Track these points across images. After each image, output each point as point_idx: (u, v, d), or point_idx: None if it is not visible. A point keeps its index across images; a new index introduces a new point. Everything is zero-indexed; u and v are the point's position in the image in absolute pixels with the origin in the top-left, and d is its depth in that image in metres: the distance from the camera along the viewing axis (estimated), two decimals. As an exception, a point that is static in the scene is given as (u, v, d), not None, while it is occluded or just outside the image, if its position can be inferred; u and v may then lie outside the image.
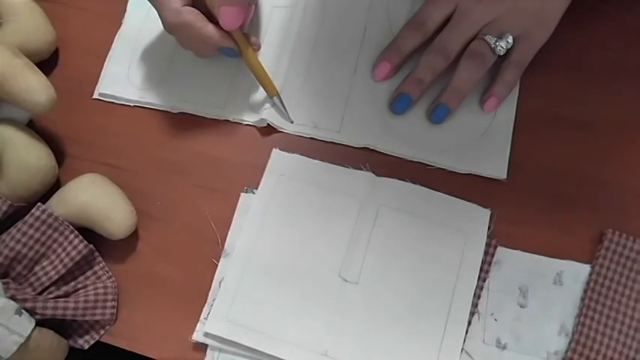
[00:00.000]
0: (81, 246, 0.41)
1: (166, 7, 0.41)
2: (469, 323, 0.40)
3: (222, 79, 0.47)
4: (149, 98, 0.47)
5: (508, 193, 0.43)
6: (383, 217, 0.42)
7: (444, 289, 0.40)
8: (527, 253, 0.41)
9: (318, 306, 0.41)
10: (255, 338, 0.40)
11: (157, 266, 0.43)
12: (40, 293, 0.41)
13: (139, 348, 0.42)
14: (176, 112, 0.47)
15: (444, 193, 0.43)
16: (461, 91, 0.43)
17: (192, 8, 0.42)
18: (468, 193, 0.43)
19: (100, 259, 0.43)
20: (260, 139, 0.46)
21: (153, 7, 0.42)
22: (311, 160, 0.45)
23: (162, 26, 0.43)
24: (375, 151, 0.44)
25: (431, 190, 0.43)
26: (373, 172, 0.44)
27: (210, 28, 0.42)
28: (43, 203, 0.41)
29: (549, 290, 0.40)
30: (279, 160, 0.45)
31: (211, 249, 0.43)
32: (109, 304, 0.42)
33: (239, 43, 0.43)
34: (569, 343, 0.39)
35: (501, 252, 0.41)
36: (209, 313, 0.41)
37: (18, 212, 0.41)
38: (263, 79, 0.45)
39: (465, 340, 0.39)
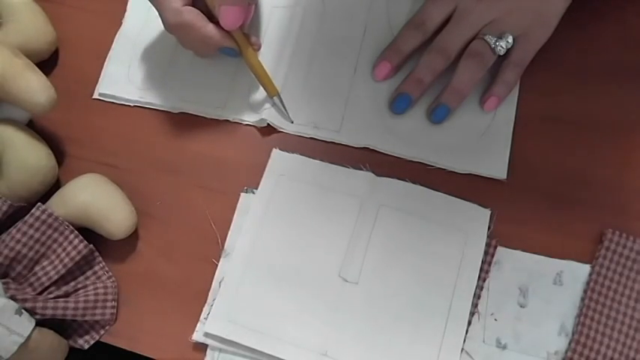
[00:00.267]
0: (81, 246, 0.41)
1: (167, 7, 0.41)
2: (469, 323, 0.40)
3: (222, 79, 0.47)
4: (149, 98, 0.47)
5: (508, 193, 0.43)
6: (383, 217, 0.42)
7: (444, 289, 0.40)
8: (527, 253, 0.41)
9: (318, 306, 0.41)
10: (255, 338, 0.40)
11: (157, 266, 0.43)
12: (40, 293, 0.41)
13: (139, 348, 0.42)
14: (176, 112, 0.47)
15: (444, 193, 0.43)
16: (461, 91, 0.43)
17: (193, 8, 0.42)
18: (468, 193, 0.43)
19: (100, 259, 0.43)
20: (260, 139, 0.46)
21: (153, 7, 0.42)
22: (311, 160, 0.45)
23: (162, 26, 0.43)
24: (375, 151, 0.45)
25: (431, 190, 0.43)
26: (373, 172, 0.44)
27: (210, 28, 0.42)
28: (43, 203, 0.41)
29: (549, 290, 0.40)
30: (279, 160, 0.45)
31: (211, 249, 0.43)
32: (109, 304, 0.42)
33: (239, 42, 0.43)
34: (569, 343, 0.39)
35: (501, 252, 0.42)
36: (209, 313, 0.41)
37: (18, 212, 0.41)
38: (263, 79, 0.45)
39: (465, 340, 0.39)
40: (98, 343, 0.42)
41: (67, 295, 0.41)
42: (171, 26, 0.42)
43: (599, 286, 0.40)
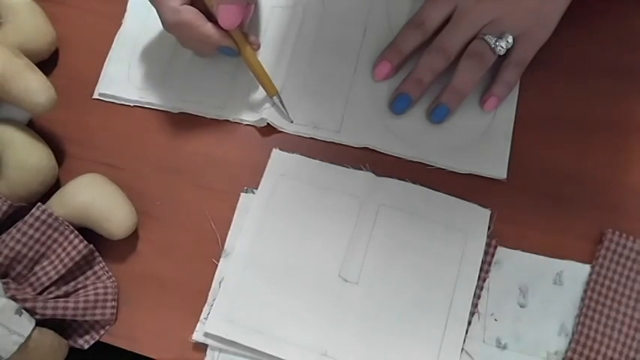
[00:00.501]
0: (81, 246, 0.41)
1: (165, 6, 0.41)
2: (469, 323, 0.40)
3: (222, 78, 0.47)
4: (149, 98, 0.47)
5: (508, 193, 0.43)
6: (383, 217, 0.42)
7: (444, 289, 0.40)
8: (527, 253, 0.41)
9: (318, 306, 0.41)
10: (255, 338, 0.40)
11: (157, 266, 0.43)
12: (40, 293, 0.41)
13: (139, 348, 0.42)
14: (176, 112, 0.47)
15: (444, 193, 0.43)
16: (461, 91, 0.43)
17: (192, 7, 0.42)
18: (468, 193, 0.43)
19: (100, 259, 0.43)
20: (260, 139, 0.46)
21: (153, 7, 0.42)
22: (311, 160, 0.45)
23: (162, 26, 0.43)
24: (375, 151, 0.44)
25: (431, 190, 0.43)
26: (373, 172, 0.44)
27: (209, 27, 0.42)
28: (43, 203, 0.41)
29: (549, 290, 0.40)
30: (279, 160, 0.45)
31: (211, 249, 0.43)
32: (109, 304, 0.42)
33: (238, 42, 0.43)
34: (569, 343, 0.39)
35: (501, 252, 0.41)
36: (209, 313, 0.41)
37: (18, 212, 0.41)
38: (262, 79, 0.45)
39: (465, 340, 0.39)
40: (98, 343, 0.42)
41: (67, 295, 0.41)
42: (170, 25, 0.42)
43: (599, 286, 0.40)
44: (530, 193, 0.43)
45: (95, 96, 0.48)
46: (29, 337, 0.37)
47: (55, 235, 0.41)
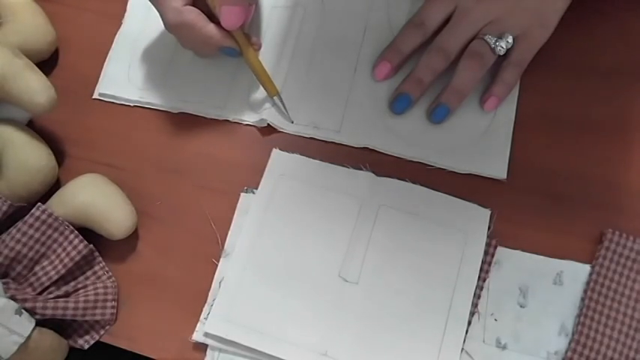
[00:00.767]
0: (81, 246, 0.41)
1: (167, 7, 0.41)
2: (469, 323, 0.40)
3: (222, 79, 0.47)
4: (149, 98, 0.47)
5: (508, 193, 0.43)
6: (383, 217, 0.42)
7: (444, 289, 0.40)
8: (527, 253, 0.41)
9: (318, 306, 0.41)
10: (255, 338, 0.40)
11: (157, 266, 0.43)
12: (40, 293, 0.41)
13: (139, 348, 0.42)
14: (176, 112, 0.47)
15: (444, 193, 0.43)
16: (461, 91, 0.43)
17: (194, 8, 0.42)
18: (468, 193, 0.43)
19: (100, 259, 0.43)
20: (260, 139, 0.46)
21: (153, 7, 0.42)
22: (311, 160, 0.45)
23: (162, 26, 0.43)
24: (375, 151, 0.44)
25: (431, 190, 0.43)
26: (373, 172, 0.44)
27: (211, 28, 0.42)
28: (43, 203, 0.41)
29: (549, 290, 0.40)
30: (279, 160, 0.45)
31: (211, 249, 0.43)
32: (109, 304, 0.42)
33: (240, 42, 0.43)
34: (569, 343, 0.39)
35: (501, 252, 0.41)
36: (209, 313, 0.41)
37: (18, 212, 0.41)
38: (264, 79, 0.45)
39: (465, 340, 0.39)
40: (98, 343, 0.42)
41: (67, 295, 0.41)
42: (172, 26, 0.42)
43: (599, 286, 0.40)
44: (530, 193, 0.43)
45: (95, 96, 0.49)
46: (29, 337, 0.37)
47: (55, 235, 0.41)
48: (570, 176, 0.43)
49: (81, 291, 0.42)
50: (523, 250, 0.41)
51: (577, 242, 0.41)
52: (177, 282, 0.43)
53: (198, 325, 0.41)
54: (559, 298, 0.40)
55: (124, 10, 0.51)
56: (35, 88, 0.41)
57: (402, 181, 0.43)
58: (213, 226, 0.44)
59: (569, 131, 0.44)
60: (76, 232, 0.41)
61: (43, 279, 0.41)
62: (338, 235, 0.42)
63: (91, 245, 0.42)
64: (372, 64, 0.46)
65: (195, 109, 0.47)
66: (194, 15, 0.41)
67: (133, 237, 0.44)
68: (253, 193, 0.44)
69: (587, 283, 0.40)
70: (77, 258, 0.41)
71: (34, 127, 0.46)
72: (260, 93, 0.46)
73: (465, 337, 0.39)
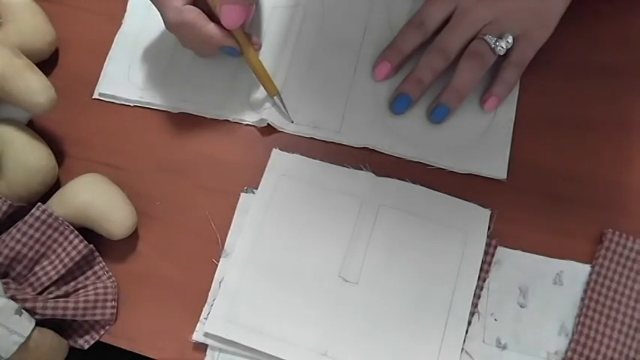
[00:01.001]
0: (81, 246, 0.41)
1: (168, 6, 0.41)
2: (469, 323, 0.40)
3: (222, 79, 0.47)
4: (149, 98, 0.47)
5: (508, 193, 0.43)
6: (383, 217, 0.42)
7: (443, 289, 0.40)
8: (527, 253, 0.41)
9: (318, 306, 0.41)
10: (255, 338, 0.40)
11: (156, 266, 0.43)
12: (40, 293, 0.41)
13: (139, 348, 0.42)
14: (176, 112, 0.47)
15: (444, 193, 0.43)
16: (461, 91, 0.43)
17: (194, 7, 0.42)
18: (467, 193, 0.43)
19: (100, 259, 0.43)
20: (260, 139, 0.46)
21: (154, 7, 0.42)
22: (311, 160, 0.45)
23: (162, 26, 0.43)
24: (375, 151, 0.44)
25: (431, 190, 0.43)
26: (373, 172, 0.44)
27: (211, 27, 0.42)
28: (43, 203, 0.41)
29: (549, 290, 0.40)
30: (279, 160, 0.45)
31: (211, 249, 0.43)
32: (109, 304, 0.42)
33: (240, 42, 0.43)
34: (569, 343, 0.39)
35: (501, 252, 0.41)
36: (209, 313, 0.41)
37: (18, 212, 0.41)
38: (264, 79, 0.45)
39: (465, 340, 0.39)
40: (98, 343, 0.42)
41: (67, 295, 0.41)
42: (172, 25, 0.42)
43: (599, 286, 0.40)
44: (530, 193, 0.43)
45: (95, 96, 0.49)
46: (29, 337, 0.37)
47: (55, 235, 0.41)
48: (570, 176, 0.43)
49: (81, 291, 0.42)
50: (523, 250, 0.41)
51: (577, 242, 0.41)
52: (177, 282, 0.43)
53: (198, 325, 0.41)
54: (559, 298, 0.40)
55: (124, 10, 0.51)
56: (35, 88, 0.41)
57: (402, 181, 0.43)
58: (213, 226, 0.44)
59: (569, 131, 0.44)
60: (76, 232, 0.41)
61: (43, 279, 0.41)
62: (338, 235, 0.42)
63: (91, 245, 0.42)
64: (372, 64, 0.46)
65: (195, 109, 0.47)
66: (194, 14, 0.41)
67: (133, 237, 0.44)
68: (253, 193, 0.44)
69: (587, 283, 0.40)
70: (77, 258, 0.41)
71: (34, 127, 0.46)
72: (260, 93, 0.46)
73: (465, 337, 0.39)
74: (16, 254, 0.40)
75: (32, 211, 0.40)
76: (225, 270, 0.42)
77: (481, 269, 0.41)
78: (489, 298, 0.41)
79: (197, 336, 0.41)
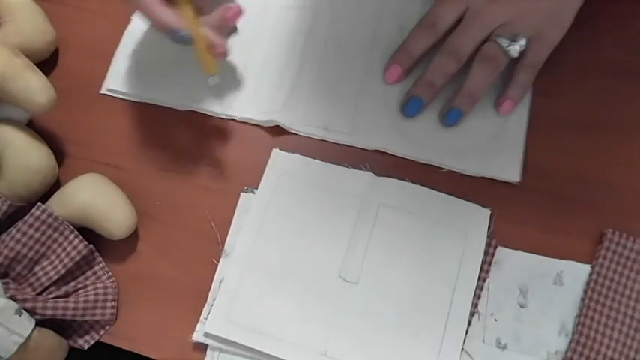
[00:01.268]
0: (81, 246, 0.41)
1: None
2: (469, 323, 0.40)
3: (230, 77, 0.47)
4: (157, 95, 0.47)
5: (508, 193, 0.43)
6: (383, 217, 0.42)
7: (444, 289, 0.40)
8: (527, 253, 0.41)
9: (318, 306, 0.41)
10: (255, 338, 0.40)
11: (156, 266, 0.43)
12: (40, 293, 0.41)
13: (139, 348, 0.42)
14: (183, 109, 0.47)
15: (444, 193, 0.43)
16: (473, 94, 0.43)
17: None
18: (467, 193, 0.43)
19: (100, 259, 0.43)
20: (260, 139, 0.46)
21: None
22: (311, 160, 0.45)
23: None
24: (375, 151, 0.44)
25: (431, 190, 0.43)
26: (373, 172, 0.44)
27: (158, 8, 0.40)
28: (43, 203, 0.41)
29: (549, 290, 0.40)
30: (279, 160, 0.45)
31: (211, 249, 0.43)
32: (109, 304, 0.42)
33: (186, 17, 0.41)
34: (569, 343, 0.39)
35: (501, 252, 0.41)
36: (209, 313, 0.41)
37: (18, 212, 0.41)
38: (204, 57, 0.42)
39: (465, 340, 0.39)
40: (98, 343, 0.42)
41: (67, 295, 0.41)
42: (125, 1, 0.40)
43: (599, 286, 0.40)
44: (529, 193, 0.43)
45: (103, 91, 0.48)
46: (29, 337, 0.37)
47: (55, 235, 0.41)
48: (570, 176, 0.43)
49: (81, 291, 0.42)
50: (523, 250, 0.41)
51: (577, 242, 0.41)
52: (177, 282, 0.43)
53: (198, 325, 0.41)
54: (559, 298, 0.40)
55: (124, 10, 0.51)
56: (35, 88, 0.41)
57: (402, 181, 0.43)
58: (213, 226, 0.44)
59: (569, 131, 0.44)
60: (76, 232, 0.41)
61: (43, 279, 0.41)
62: (338, 235, 0.42)
63: (91, 245, 0.42)
64: (383, 66, 0.46)
65: (202, 107, 0.47)
66: None
67: (133, 237, 0.44)
68: (253, 193, 0.44)
69: (587, 283, 0.40)
70: (77, 258, 0.41)
71: (34, 127, 0.46)
72: (270, 93, 0.46)
73: (465, 337, 0.39)
74: (16, 254, 0.40)
75: (32, 211, 0.40)
76: (225, 270, 0.42)
77: (481, 269, 0.41)
78: (489, 298, 0.41)
79: (197, 336, 0.41)
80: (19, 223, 0.40)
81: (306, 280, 0.41)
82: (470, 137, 0.44)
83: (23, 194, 0.42)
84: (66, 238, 0.41)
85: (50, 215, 0.40)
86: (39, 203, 0.41)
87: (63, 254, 0.41)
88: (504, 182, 0.43)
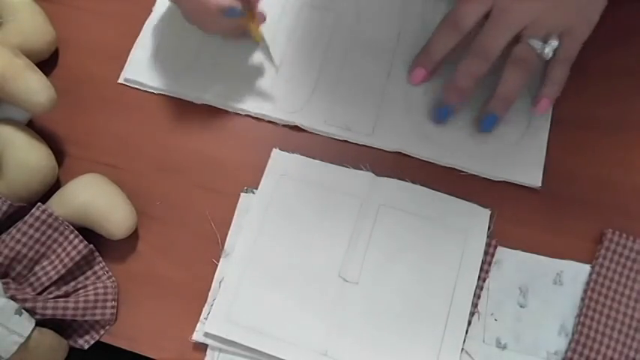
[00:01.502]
0: (81, 246, 0.41)
1: None
2: (469, 323, 0.40)
3: (248, 72, 0.47)
4: (173, 87, 0.47)
5: (508, 193, 0.43)
6: (383, 217, 0.42)
7: (444, 288, 0.40)
8: (527, 253, 0.41)
9: (318, 306, 0.41)
10: (255, 338, 0.40)
11: (157, 266, 0.43)
12: (40, 293, 0.41)
13: (139, 348, 0.42)
14: (199, 102, 0.47)
15: (444, 193, 0.43)
16: (508, 98, 0.42)
17: None
18: (467, 193, 0.43)
19: (100, 259, 0.43)
20: (261, 140, 0.46)
21: None
22: (311, 160, 0.45)
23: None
24: (376, 150, 0.44)
25: (431, 190, 0.43)
26: (373, 172, 0.44)
27: None
28: (43, 203, 0.41)
29: (549, 290, 0.40)
30: (279, 160, 0.45)
31: (211, 249, 0.43)
32: (109, 304, 0.42)
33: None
34: (569, 343, 0.39)
35: (501, 252, 0.42)
36: (209, 313, 0.41)
37: (18, 212, 0.41)
38: (253, 27, 0.45)
39: (465, 340, 0.39)
40: (98, 343, 0.42)
41: (67, 295, 0.41)
42: None
43: (599, 286, 0.40)
44: (530, 193, 0.43)
45: (120, 81, 0.48)
46: (29, 337, 0.37)
47: (55, 235, 0.41)
48: (570, 176, 0.43)
49: (81, 291, 0.42)
50: (523, 250, 0.41)
51: (577, 242, 0.41)
52: (177, 282, 0.43)
53: (198, 325, 0.41)
54: (559, 298, 0.40)
55: (124, 10, 0.51)
56: (35, 88, 0.41)
57: (402, 181, 0.43)
58: (213, 226, 0.44)
59: (569, 132, 0.44)
60: (76, 232, 0.41)
61: (43, 279, 0.41)
62: (338, 235, 0.42)
63: (91, 245, 0.42)
64: (407, 66, 0.46)
65: (217, 102, 0.46)
66: None
67: (133, 237, 0.44)
68: (253, 193, 0.44)
69: (587, 283, 0.40)
70: (77, 258, 0.41)
71: (34, 127, 0.46)
72: (288, 91, 0.46)
73: (465, 337, 0.40)
74: (16, 254, 0.40)
75: (32, 211, 0.40)
76: (225, 270, 0.42)
77: (481, 269, 0.41)
78: (489, 298, 0.41)
79: (197, 336, 0.41)
80: (19, 223, 0.40)
81: (306, 280, 0.41)
82: (493, 141, 0.44)
83: (23, 194, 0.42)
84: (66, 238, 0.41)
85: (50, 215, 0.40)
86: (39, 203, 0.41)
87: (63, 254, 0.41)
88: (504, 182, 0.43)
